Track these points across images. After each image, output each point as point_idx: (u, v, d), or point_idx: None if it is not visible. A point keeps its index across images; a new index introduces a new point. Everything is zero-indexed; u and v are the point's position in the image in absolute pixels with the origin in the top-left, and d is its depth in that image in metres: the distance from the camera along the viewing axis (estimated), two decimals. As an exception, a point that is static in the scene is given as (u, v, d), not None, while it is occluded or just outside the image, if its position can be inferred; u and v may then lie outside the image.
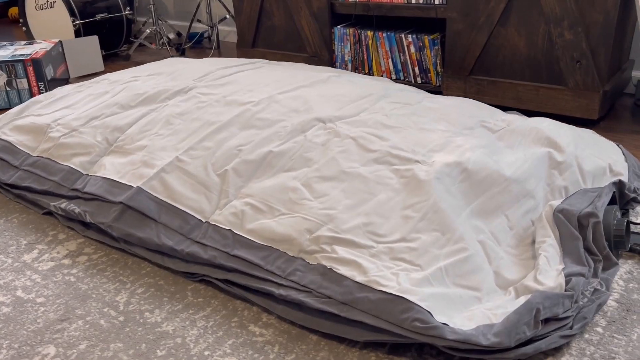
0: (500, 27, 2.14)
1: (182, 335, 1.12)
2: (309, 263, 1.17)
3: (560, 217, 1.24)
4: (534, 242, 1.27)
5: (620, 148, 1.64)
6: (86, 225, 1.50)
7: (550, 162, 1.41)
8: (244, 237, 1.27)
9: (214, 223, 1.32)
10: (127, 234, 1.37)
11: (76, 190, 1.53)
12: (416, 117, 1.56)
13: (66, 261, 1.38)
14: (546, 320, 1.04)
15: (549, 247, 1.19)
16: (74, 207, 1.48)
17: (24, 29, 3.43)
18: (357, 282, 1.09)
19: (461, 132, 1.49)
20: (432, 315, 1.01)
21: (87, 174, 1.57)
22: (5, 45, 2.77)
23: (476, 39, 2.20)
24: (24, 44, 2.77)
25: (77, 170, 1.59)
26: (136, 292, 1.25)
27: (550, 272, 1.13)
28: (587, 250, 1.21)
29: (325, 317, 1.10)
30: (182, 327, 1.14)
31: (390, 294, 1.05)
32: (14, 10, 4.60)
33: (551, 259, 1.17)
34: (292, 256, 1.20)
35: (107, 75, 2.15)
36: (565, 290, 1.08)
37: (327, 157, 1.38)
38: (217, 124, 1.56)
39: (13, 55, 2.55)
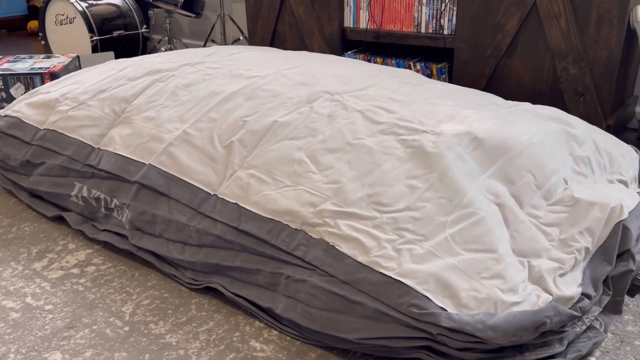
0: (507, 59, 2.20)
1: (185, 348, 1.15)
2: (311, 237, 1.18)
3: (619, 232, 1.20)
4: (567, 202, 1.23)
5: (632, 147, 1.65)
6: (95, 227, 1.54)
7: (567, 135, 1.39)
8: (249, 210, 1.28)
9: (221, 197, 1.33)
10: (142, 212, 1.41)
11: (91, 166, 1.56)
12: (425, 94, 1.54)
13: (75, 270, 1.42)
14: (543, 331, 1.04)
15: (583, 251, 1.17)
16: (98, 194, 1.52)
17: (42, 42, 3.52)
18: (358, 262, 1.11)
19: (471, 108, 1.47)
20: (430, 300, 1.02)
21: (99, 148, 1.59)
22: (24, 58, 2.85)
23: (483, 70, 2.25)
24: (43, 58, 2.85)
25: (88, 144, 1.61)
26: (142, 304, 1.29)
27: (571, 283, 1.12)
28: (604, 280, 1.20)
29: (324, 311, 1.11)
30: (185, 340, 1.17)
31: (390, 277, 1.06)
32: (33, 24, 4.72)
33: (577, 266, 1.15)
34: (295, 229, 1.21)
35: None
36: (574, 306, 1.08)
37: (333, 129, 1.38)
38: (223, 94, 1.56)
39: (32, 68, 2.63)
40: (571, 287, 1.11)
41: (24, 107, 1.84)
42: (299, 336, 1.16)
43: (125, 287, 1.35)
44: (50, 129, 1.71)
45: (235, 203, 1.31)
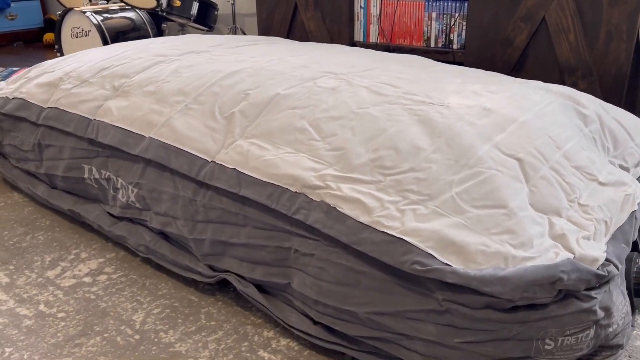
0: (516, 73, 2.21)
1: (195, 357, 1.16)
2: (312, 200, 1.15)
3: (633, 220, 1.15)
4: (587, 173, 1.20)
5: None
6: (112, 216, 1.59)
7: (577, 113, 1.38)
8: (248, 175, 1.25)
9: (219, 162, 1.31)
10: (151, 189, 1.44)
11: (91, 141, 1.60)
12: (432, 74, 1.54)
13: (87, 279, 1.44)
14: (566, 295, 0.95)
15: (602, 223, 1.10)
16: (108, 174, 1.55)
17: (58, 54, 3.58)
18: (360, 222, 1.07)
19: (480, 83, 1.47)
20: (434, 257, 0.98)
21: (95, 119, 1.61)
22: (40, 69, 2.90)
23: (492, 84, 2.27)
24: (58, 70, 2.90)
25: (86, 117, 1.63)
26: (152, 312, 1.30)
27: (596, 247, 1.03)
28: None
29: (333, 284, 1.10)
30: (195, 349, 1.18)
31: (392, 235, 1.03)
32: (49, 36, 4.80)
33: (599, 236, 1.07)
34: (295, 192, 1.17)
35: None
36: (600, 268, 0.97)
37: (337, 100, 1.35)
38: (226, 71, 1.56)
39: (47, 80, 2.68)
40: (596, 250, 1.01)
41: (32, 87, 1.88)
42: (307, 336, 1.17)
43: (136, 296, 1.37)
44: (54, 106, 1.74)
45: (234, 169, 1.28)
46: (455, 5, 2.32)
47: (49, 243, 1.62)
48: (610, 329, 0.99)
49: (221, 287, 1.39)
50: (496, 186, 1.07)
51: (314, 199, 1.14)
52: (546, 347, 0.95)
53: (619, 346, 1.03)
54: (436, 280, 0.98)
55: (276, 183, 1.20)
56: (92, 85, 1.73)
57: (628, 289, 1.17)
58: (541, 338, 0.95)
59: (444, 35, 2.39)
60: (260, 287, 1.29)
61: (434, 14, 2.39)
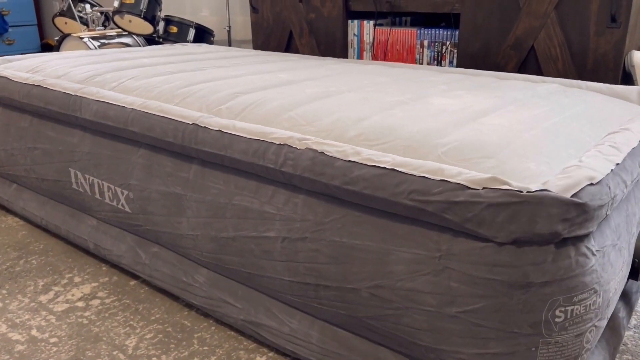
0: (506, 100, 2.25)
1: (187, 382, 1.16)
2: (296, 149, 1.14)
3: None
4: (574, 140, 1.20)
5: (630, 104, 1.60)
6: (105, 223, 1.60)
7: (564, 96, 1.47)
8: (234, 134, 1.25)
9: (203, 125, 1.31)
10: (142, 189, 1.45)
11: (77, 144, 1.62)
12: (418, 83, 1.64)
13: (80, 304, 1.44)
14: (563, 250, 0.88)
15: (608, 148, 1.08)
16: (92, 179, 1.58)
17: (55, 79, 3.62)
18: (349, 160, 1.06)
19: (464, 89, 1.56)
20: (428, 179, 0.96)
21: (77, 94, 1.62)
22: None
23: (483, 110, 2.31)
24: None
25: (69, 93, 1.65)
26: (145, 337, 1.30)
27: (600, 159, 0.99)
28: None
29: (330, 265, 1.10)
30: (187, 374, 1.18)
31: (384, 168, 1.01)
32: (46, 61, 4.85)
33: (607, 153, 1.04)
34: (279, 144, 1.17)
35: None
36: (590, 185, 0.90)
37: (323, 100, 1.40)
38: (216, 80, 1.62)
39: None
40: (593, 170, 0.96)
41: (16, 73, 1.90)
42: (307, 346, 1.17)
43: (129, 320, 1.37)
44: (37, 84, 1.76)
45: (219, 130, 1.28)
46: (447, 34, 2.37)
47: (43, 267, 1.62)
48: (611, 294, 0.95)
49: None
50: (483, 143, 1.08)
51: (299, 148, 1.14)
52: (556, 319, 0.89)
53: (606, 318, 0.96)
54: (431, 230, 0.96)
55: (262, 139, 1.21)
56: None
57: (637, 257, 1.13)
58: (550, 309, 0.89)
59: (435, 63, 2.44)
60: (264, 294, 1.29)
61: (425, 42, 2.44)
